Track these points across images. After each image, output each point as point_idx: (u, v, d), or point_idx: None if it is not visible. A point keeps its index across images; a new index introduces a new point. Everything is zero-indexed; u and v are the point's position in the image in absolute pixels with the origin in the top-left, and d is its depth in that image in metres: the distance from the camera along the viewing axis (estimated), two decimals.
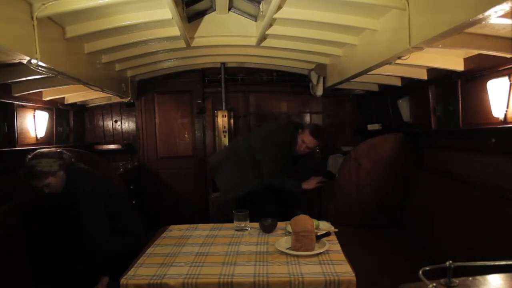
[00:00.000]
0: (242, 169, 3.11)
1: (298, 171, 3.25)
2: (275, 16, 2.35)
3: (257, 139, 3.14)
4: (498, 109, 2.14)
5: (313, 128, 3.05)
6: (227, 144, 4.32)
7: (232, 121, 4.51)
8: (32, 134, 3.26)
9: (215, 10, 3.02)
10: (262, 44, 3.15)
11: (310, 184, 3.13)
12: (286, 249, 1.91)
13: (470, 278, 0.84)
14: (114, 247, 2.24)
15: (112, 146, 4.70)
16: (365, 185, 3.35)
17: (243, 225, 2.30)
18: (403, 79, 3.37)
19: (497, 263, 0.86)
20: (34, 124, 3.27)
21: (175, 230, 2.38)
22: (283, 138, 3.07)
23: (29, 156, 2.23)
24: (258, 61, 4.10)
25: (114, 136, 4.86)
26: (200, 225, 2.46)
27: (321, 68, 3.75)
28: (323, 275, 1.65)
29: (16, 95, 2.89)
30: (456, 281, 0.82)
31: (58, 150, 2.36)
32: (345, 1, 2.15)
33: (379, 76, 3.32)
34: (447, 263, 0.82)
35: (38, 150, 2.29)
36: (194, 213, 4.66)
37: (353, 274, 1.65)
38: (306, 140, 3.01)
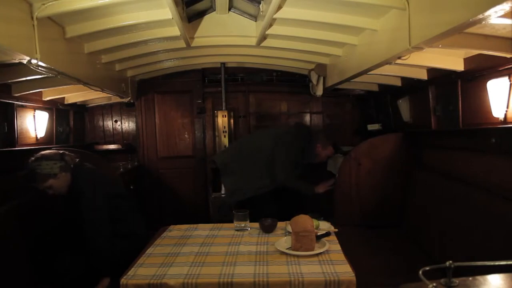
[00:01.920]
0: (251, 170, 3.12)
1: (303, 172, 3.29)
2: (275, 16, 2.35)
3: (269, 141, 3.17)
4: (498, 109, 2.14)
5: (332, 143, 3.37)
6: (227, 144, 4.32)
7: (232, 121, 4.51)
8: (32, 134, 3.25)
9: (215, 10, 3.01)
10: (262, 44, 3.14)
11: (321, 188, 3.24)
12: (286, 249, 1.91)
13: (470, 278, 0.84)
14: (116, 247, 2.24)
15: (112, 146, 4.69)
16: (365, 185, 3.35)
17: (243, 225, 2.30)
18: (403, 79, 3.37)
19: (497, 263, 0.86)
20: (34, 124, 3.27)
21: (175, 230, 2.38)
22: (297, 143, 3.16)
23: (32, 158, 2.23)
24: (258, 61, 4.09)
25: (114, 136, 4.86)
26: (200, 225, 2.46)
27: (321, 68, 3.75)
28: (323, 275, 1.65)
29: (16, 95, 2.89)
30: (456, 281, 0.82)
31: (60, 152, 2.35)
32: (345, 1, 2.15)
33: (379, 76, 3.32)
34: (447, 263, 0.82)
35: (40, 152, 2.28)
36: (194, 213, 4.65)
37: (353, 274, 1.65)
38: (330, 154, 3.35)
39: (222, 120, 4.41)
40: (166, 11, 2.27)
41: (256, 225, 2.32)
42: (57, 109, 3.72)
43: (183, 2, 2.57)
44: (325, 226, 2.27)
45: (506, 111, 2.09)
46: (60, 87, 3.11)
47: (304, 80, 4.37)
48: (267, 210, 2.99)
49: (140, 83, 4.55)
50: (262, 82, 4.72)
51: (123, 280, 1.67)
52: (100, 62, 3.09)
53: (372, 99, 4.53)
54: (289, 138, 3.17)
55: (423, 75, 2.95)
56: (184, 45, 3.08)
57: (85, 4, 1.98)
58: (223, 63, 4.42)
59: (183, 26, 2.60)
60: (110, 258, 2.19)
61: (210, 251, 1.98)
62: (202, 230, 2.37)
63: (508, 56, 1.96)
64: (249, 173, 3.12)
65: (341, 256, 1.86)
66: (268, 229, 2.27)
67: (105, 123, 4.85)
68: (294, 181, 3.15)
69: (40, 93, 3.32)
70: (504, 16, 1.37)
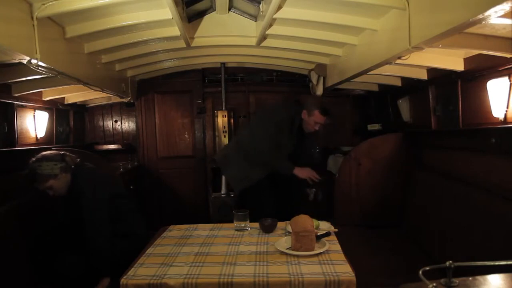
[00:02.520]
0: (249, 159, 3.08)
1: (300, 157, 3.15)
2: (275, 16, 2.35)
3: (256, 120, 3.09)
4: (498, 109, 2.14)
5: (321, 108, 2.97)
6: (227, 143, 4.32)
7: (232, 121, 4.51)
8: (32, 134, 3.26)
9: (215, 10, 3.02)
10: (262, 44, 3.14)
11: (303, 172, 2.95)
12: (286, 249, 1.91)
13: (470, 278, 0.84)
14: (116, 247, 2.24)
15: (112, 146, 4.69)
16: (365, 185, 3.35)
17: (243, 225, 2.30)
18: (403, 79, 3.37)
19: (497, 263, 0.86)
20: (34, 124, 3.27)
21: (175, 230, 2.38)
22: (283, 114, 2.99)
23: (33, 159, 2.23)
24: (258, 61, 4.09)
25: (114, 136, 4.86)
26: (200, 225, 2.46)
27: (321, 68, 3.75)
28: (323, 275, 1.64)
29: (16, 95, 2.89)
30: (456, 281, 0.81)
31: (61, 153, 2.35)
32: (345, 1, 2.15)
33: (379, 76, 3.32)
34: (447, 263, 0.82)
35: (41, 153, 2.28)
36: (194, 213, 4.65)
37: (353, 274, 1.65)
38: (319, 120, 2.96)
39: (222, 120, 4.41)
40: (166, 11, 2.27)
41: (256, 225, 2.32)
42: (57, 109, 3.72)
43: (183, 2, 2.57)
44: (325, 226, 2.27)
45: (506, 111, 2.09)
46: (60, 87, 3.11)
47: (304, 80, 4.37)
48: (264, 197, 2.95)
49: (140, 83, 4.55)
50: (262, 82, 4.72)
51: (123, 280, 1.67)
52: (100, 62, 3.09)
53: (372, 99, 4.53)
54: (274, 112, 3.03)
55: (423, 75, 2.95)
56: (184, 45, 3.08)
57: (85, 4, 1.98)
58: (223, 63, 4.42)
59: (183, 26, 2.60)
60: (110, 258, 2.19)
61: (210, 251, 1.98)
62: (202, 230, 2.37)
63: (508, 56, 1.96)
64: (248, 161, 3.06)
65: (341, 256, 1.86)
66: (268, 229, 2.27)
67: (105, 123, 4.85)
68: (272, 156, 2.94)
69: (40, 93, 3.32)
70: (504, 16, 1.37)
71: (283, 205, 3.10)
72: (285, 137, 2.98)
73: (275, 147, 2.95)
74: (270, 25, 2.69)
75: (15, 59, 1.90)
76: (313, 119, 2.96)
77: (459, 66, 2.46)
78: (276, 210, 2.87)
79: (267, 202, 3.00)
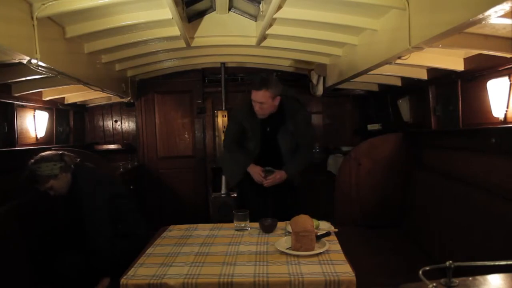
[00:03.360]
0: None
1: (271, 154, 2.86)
2: (275, 16, 2.35)
3: None
4: (498, 109, 2.14)
5: (252, 81, 2.59)
6: None
7: None
8: (32, 134, 3.26)
9: (215, 10, 3.02)
10: (262, 44, 3.14)
11: (253, 170, 2.76)
12: (286, 249, 1.90)
13: (470, 278, 0.84)
14: (116, 247, 2.24)
15: (112, 146, 4.70)
16: (365, 185, 3.35)
17: (243, 225, 2.30)
18: (403, 79, 3.37)
19: (497, 263, 0.86)
20: (34, 124, 3.27)
21: (175, 230, 2.38)
22: (240, 105, 2.85)
23: (31, 161, 2.23)
24: (258, 61, 4.10)
25: (114, 136, 4.86)
26: (200, 225, 2.46)
27: (321, 68, 3.75)
28: (323, 275, 1.64)
29: (16, 95, 2.89)
30: (456, 281, 0.81)
31: (60, 153, 2.35)
32: (345, 1, 2.15)
33: (379, 76, 3.32)
34: (447, 263, 0.82)
35: (40, 154, 2.28)
36: (194, 213, 4.66)
37: (353, 274, 1.65)
38: (252, 97, 2.55)
39: (222, 120, 4.42)
40: (166, 11, 2.27)
41: (256, 225, 2.32)
42: (57, 109, 3.72)
43: (183, 2, 2.57)
44: (325, 226, 2.27)
45: (506, 111, 2.09)
46: (60, 87, 3.11)
47: (304, 80, 4.37)
48: (247, 188, 2.93)
49: (140, 83, 4.56)
50: None
51: (123, 280, 1.67)
52: (100, 62, 3.09)
53: (372, 99, 4.53)
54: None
55: (423, 75, 2.95)
56: (184, 45, 3.08)
57: (85, 4, 1.98)
58: (223, 63, 4.42)
59: (183, 26, 2.60)
60: (110, 258, 2.19)
61: (210, 251, 1.98)
62: (202, 230, 2.36)
63: (508, 56, 1.96)
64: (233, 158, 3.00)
65: (341, 256, 1.86)
66: (268, 229, 2.27)
67: (105, 123, 4.85)
68: (235, 150, 2.82)
69: (40, 93, 3.32)
70: (504, 16, 1.37)
71: (279, 206, 3.07)
72: (249, 129, 2.78)
73: (237, 141, 2.82)
74: (270, 25, 2.69)
75: (15, 59, 1.90)
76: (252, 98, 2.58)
77: (459, 66, 2.46)
78: (272, 211, 2.85)
79: (259, 202, 2.97)
